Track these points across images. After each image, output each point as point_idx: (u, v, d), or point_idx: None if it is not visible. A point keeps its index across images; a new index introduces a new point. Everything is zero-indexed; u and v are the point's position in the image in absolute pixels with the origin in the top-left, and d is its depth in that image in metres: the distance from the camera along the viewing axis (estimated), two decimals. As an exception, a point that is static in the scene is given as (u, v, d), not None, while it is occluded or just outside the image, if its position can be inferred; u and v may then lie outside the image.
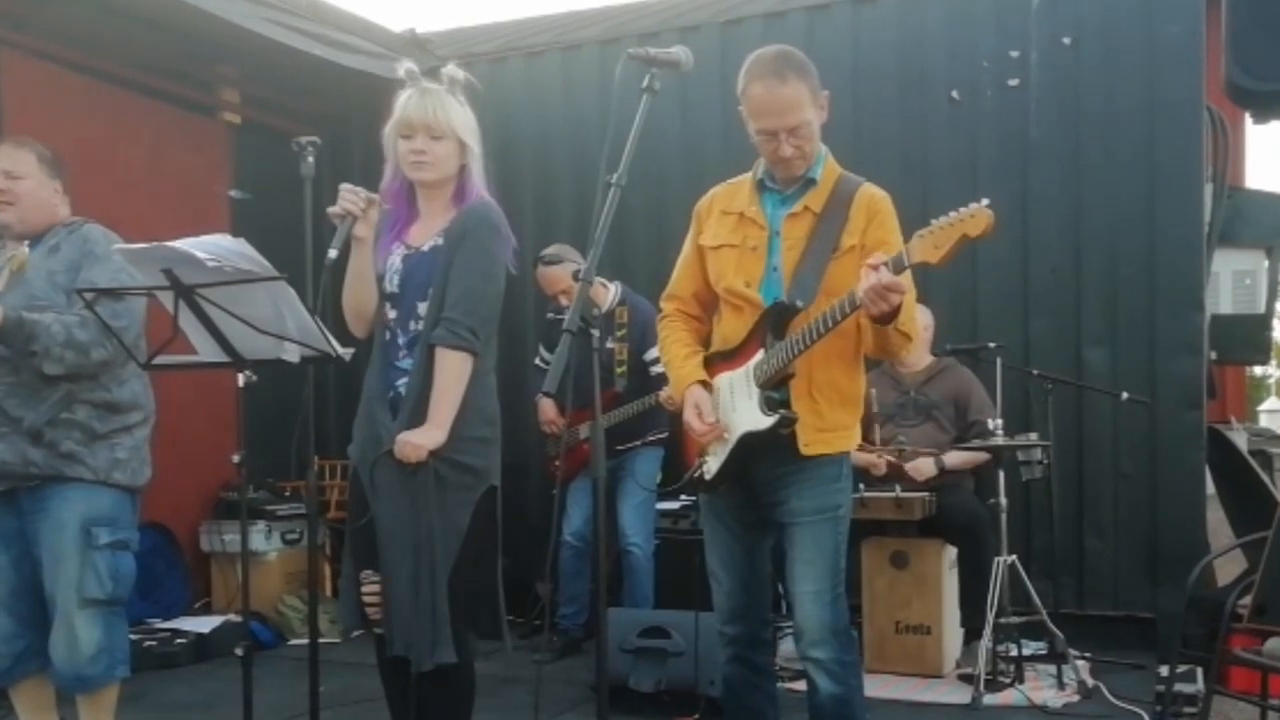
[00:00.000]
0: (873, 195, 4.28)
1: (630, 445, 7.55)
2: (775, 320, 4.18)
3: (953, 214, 3.81)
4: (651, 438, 7.66)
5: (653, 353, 7.55)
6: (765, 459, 4.27)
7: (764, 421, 4.18)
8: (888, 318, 3.93)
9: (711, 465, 4.40)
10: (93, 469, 4.98)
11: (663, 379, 7.34)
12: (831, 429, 4.26)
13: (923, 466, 7.12)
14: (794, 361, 4.12)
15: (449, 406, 4.41)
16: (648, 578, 7.58)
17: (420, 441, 4.35)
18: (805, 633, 4.28)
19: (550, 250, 7.84)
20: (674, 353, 4.53)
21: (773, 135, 4.17)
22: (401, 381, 4.53)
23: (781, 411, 4.15)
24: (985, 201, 3.78)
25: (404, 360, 4.55)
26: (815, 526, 4.25)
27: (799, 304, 4.14)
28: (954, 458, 7.20)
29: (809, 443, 4.20)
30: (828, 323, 4.02)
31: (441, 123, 4.51)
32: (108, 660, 5.07)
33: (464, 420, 4.44)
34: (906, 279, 3.92)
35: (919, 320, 7.28)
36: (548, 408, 7.98)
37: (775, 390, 4.18)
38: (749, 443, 4.24)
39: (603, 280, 7.66)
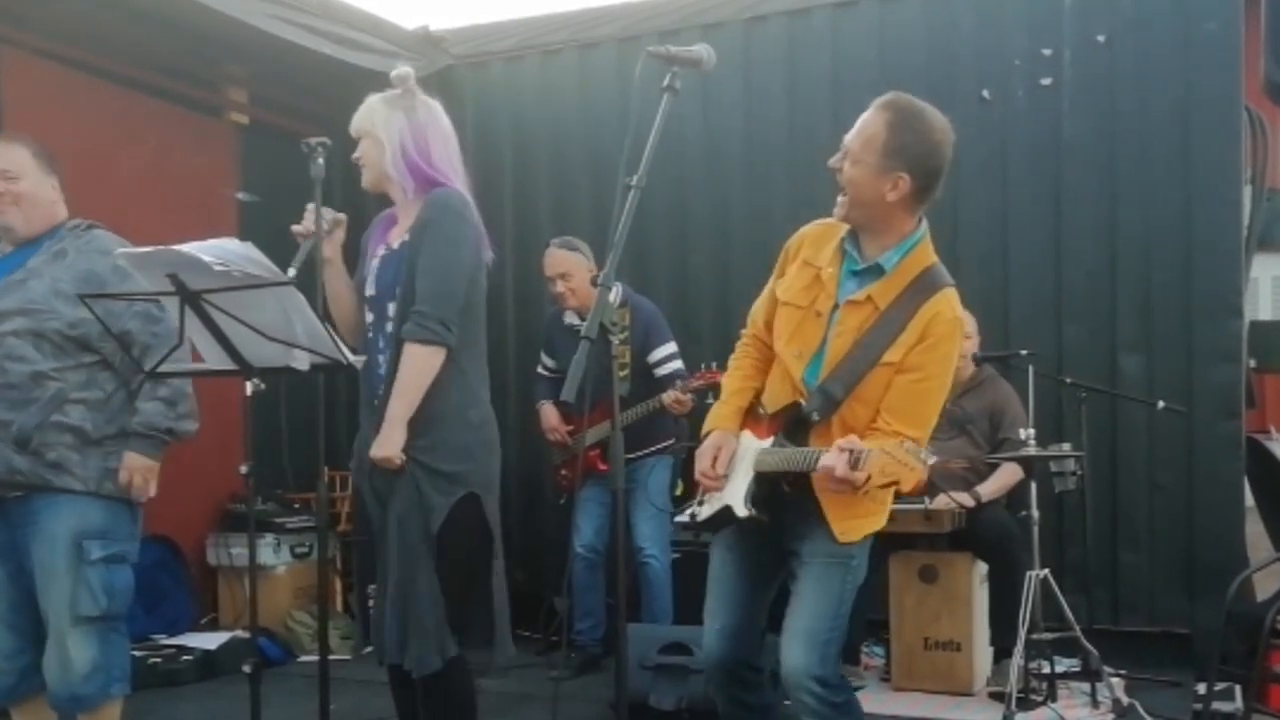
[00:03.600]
0: (938, 314, 4.13)
1: (639, 454, 7.53)
2: (793, 420, 4.22)
3: (908, 456, 3.75)
4: (661, 445, 7.64)
5: (656, 354, 7.55)
6: (784, 511, 4.28)
7: (740, 510, 4.25)
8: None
9: (704, 512, 4.46)
10: (82, 479, 4.97)
11: (668, 381, 7.36)
12: (864, 515, 4.26)
13: (960, 500, 7.05)
14: (784, 479, 4.20)
15: (407, 402, 4.46)
16: (666, 590, 7.56)
17: (385, 453, 4.44)
18: (788, 674, 4.19)
19: (564, 238, 7.88)
20: (727, 383, 4.59)
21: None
22: (383, 389, 4.59)
23: (753, 511, 4.22)
24: (932, 460, 3.82)
25: (385, 366, 4.62)
26: (824, 568, 4.24)
27: (815, 417, 4.15)
28: (988, 488, 7.18)
29: (844, 531, 4.20)
30: (801, 467, 4.08)
31: (359, 123, 4.72)
32: (103, 679, 5.05)
33: (442, 425, 4.51)
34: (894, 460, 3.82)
35: (965, 341, 7.32)
36: (550, 414, 7.97)
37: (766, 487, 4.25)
38: (730, 515, 4.31)
39: None
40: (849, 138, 4.15)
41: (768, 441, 4.25)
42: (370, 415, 4.62)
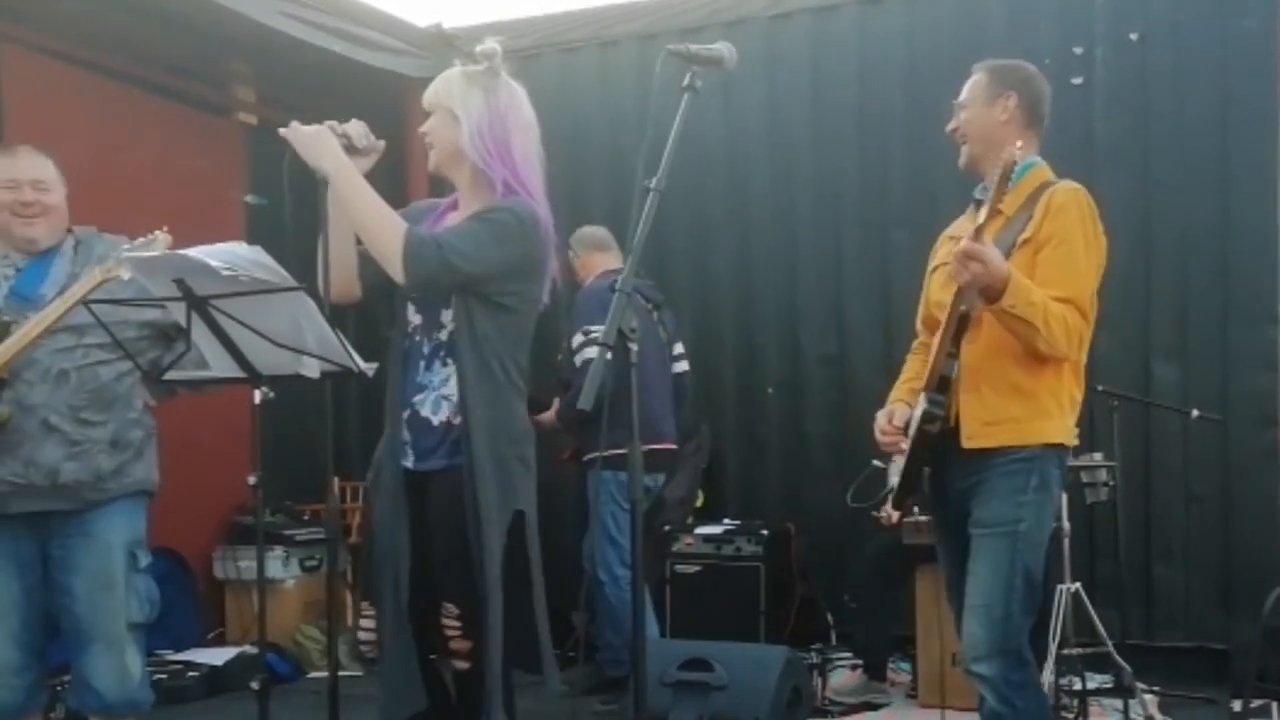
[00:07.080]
0: (1057, 189, 4.41)
1: (593, 457, 7.22)
2: (956, 329, 4.26)
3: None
4: (608, 452, 7.33)
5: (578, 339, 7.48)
6: (949, 468, 4.41)
7: (920, 407, 4.33)
8: (991, 295, 4.04)
9: (892, 475, 4.62)
10: (144, 477, 5.07)
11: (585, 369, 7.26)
12: (997, 421, 4.28)
13: None
14: (941, 358, 4.26)
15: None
16: (620, 615, 7.41)
17: None
18: (966, 648, 4.35)
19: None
20: (903, 373, 4.84)
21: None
22: (419, 398, 4.42)
23: (925, 406, 4.27)
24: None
25: (424, 375, 4.43)
26: (990, 540, 4.29)
27: (964, 308, 4.21)
28: None
29: (971, 435, 4.29)
30: (954, 311, 4.20)
31: (432, 94, 4.48)
32: (149, 684, 5.17)
33: (491, 438, 4.32)
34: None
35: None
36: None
37: (939, 392, 4.28)
38: (917, 451, 4.38)
39: None
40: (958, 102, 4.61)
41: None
42: (398, 426, 4.44)
